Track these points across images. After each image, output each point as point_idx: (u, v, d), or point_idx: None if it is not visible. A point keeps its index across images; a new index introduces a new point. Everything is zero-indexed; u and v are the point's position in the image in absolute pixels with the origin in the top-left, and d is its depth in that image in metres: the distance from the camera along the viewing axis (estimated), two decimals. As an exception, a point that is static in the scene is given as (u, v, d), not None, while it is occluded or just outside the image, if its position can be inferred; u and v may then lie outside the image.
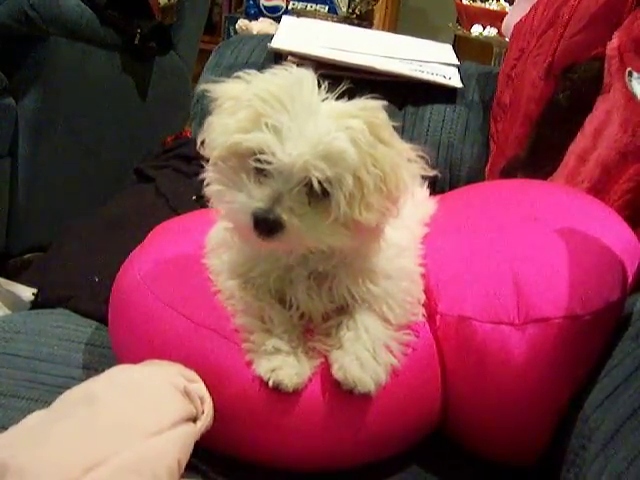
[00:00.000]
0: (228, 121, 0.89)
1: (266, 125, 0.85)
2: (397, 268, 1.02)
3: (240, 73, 0.94)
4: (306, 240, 0.89)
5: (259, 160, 0.86)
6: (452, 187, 1.71)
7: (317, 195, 0.86)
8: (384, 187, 0.88)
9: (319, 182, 0.85)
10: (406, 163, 0.92)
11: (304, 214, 0.86)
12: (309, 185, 0.85)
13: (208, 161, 0.95)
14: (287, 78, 0.90)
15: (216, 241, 1.07)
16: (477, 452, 1.09)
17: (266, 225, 0.85)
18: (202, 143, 0.94)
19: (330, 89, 0.92)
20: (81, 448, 0.78)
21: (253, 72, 0.93)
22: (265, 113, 0.86)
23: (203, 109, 2.00)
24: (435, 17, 5.21)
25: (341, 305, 1.00)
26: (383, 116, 0.90)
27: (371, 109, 0.90)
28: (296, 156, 0.84)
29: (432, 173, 0.94)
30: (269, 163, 0.85)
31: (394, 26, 4.63)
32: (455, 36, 3.54)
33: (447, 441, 1.10)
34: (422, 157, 0.93)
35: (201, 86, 0.96)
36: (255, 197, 0.86)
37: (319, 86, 0.90)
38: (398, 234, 1.04)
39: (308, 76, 0.90)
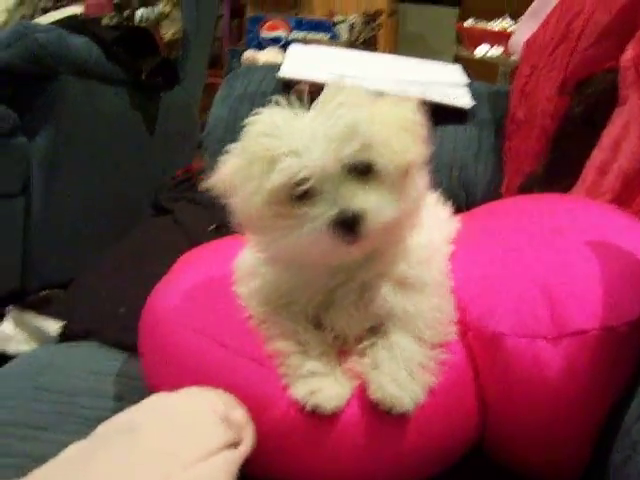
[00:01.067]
0: (248, 187, 0.90)
1: (283, 155, 0.87)
2: (429, 283, 1.03)
3: (222, 156, 0.97)
4: (385, 214, 0.89)
5: (298, 185, 0.87)
6: (468, 207, 1.70)
7: (363, 173, 0.89)
8: (404, 127, 0.92)
9: (356, 162, 0.88)
10: (394, 104, 0.96)
11: (367, 194, 0.88)
12: (352, 170, 0.88)
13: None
14: (262, 117, 0.93)
15: (245, 269, 1.08)
16: (515, 470, 1.07)
17: (352, 220, 0.86)
18: (242, 226, 0.96)
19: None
20: (126, 476, 0.77)
21: (232, 146, 0.96)
22: (270, 150, 0.88)
23: (215, 140, 2.02)
24: (433, 41, 5.26)
25: (375, 326, 0.99)
26: (353, 85, 0.94)
27: (340, 85, 0.93)
28: (323, 154, 0.86)
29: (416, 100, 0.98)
30: (307, 180, 0.86)
31: (394, 52, 4.67)
32: (455, 58, 3.57)
33: (484, 459, 1.08)
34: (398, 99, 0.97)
35: (205, 184, 0.98)
36: (322, 212, 0.87)
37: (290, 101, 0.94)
38: (426, 252, 1.05)
39: (275, 104, 0.94)
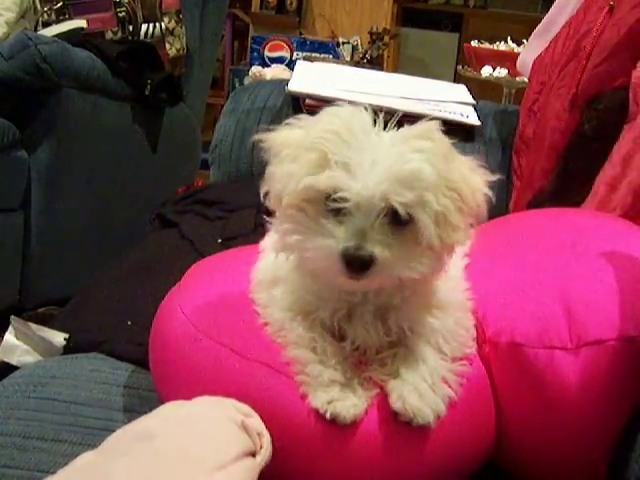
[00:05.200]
0: (291, 167, 0.88)
1: (335, 163, 0.84)
2: (453, 300, 1.02)
3: (291, 120, 0.94)
4: (397, 270, 0.86)
5: (335, 200, 0.84)
6: (473, 224, 1.71)
7: (400, 223, 0.85)
8: (464, 206, 0.88)
9: (402, 211, 0.83)
10: (473, 174, 0.92)
11: (391, 245, 0.84)
12: (390, 215, 0.84)
13: (270, 214, 0.94)
14: (343, 115, 0.89)
15: (265, 276, 1.06)
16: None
17: (358, 262, 0.83)
18: (265, 195, 0.93)
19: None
20: (146, 484, 0.76)
21: (304, 116, 0.93)
22: (332, 152, 0.85)
23: (221, 155, 2.01)
24: (433, 65, 5.33)
25: (396, 338, 0.98)
26: (443, 135, 0.90)
27: (432, 130, 0.89)
28: (373, 187, 0.83)
29: (496, 177, 0.94)
30: (346, 200, 0.84)
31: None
32: (455, 80, 3.60)
33: (500, 471, 1.08)
34: (481, 165, 0.94)
35: (256, 137, 0.95)
36: (339, 237, 0.84)
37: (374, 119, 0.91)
38: (451, 266, 1.03)
39: (362, 111, 0.90)
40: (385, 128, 0.91)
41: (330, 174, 0.84)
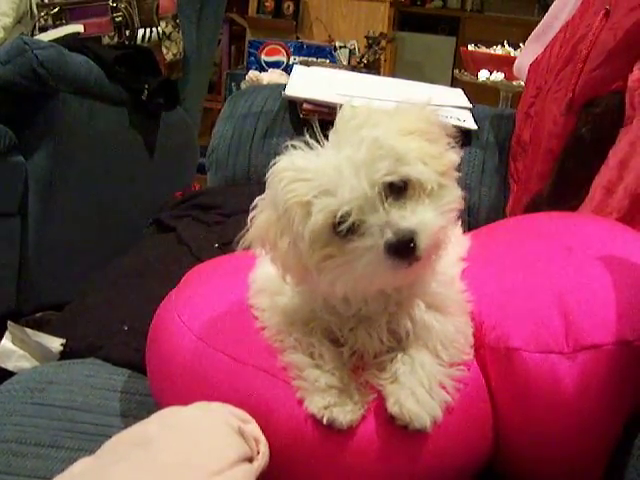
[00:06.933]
0: (287, 240, 0.89)
1: (315, 198, 0.85)
2: (452, 296, 1.02)
3: (251, 208, 0.95)
4: (433, 228, 0.85)
5: (340, 223, 0.85)
6: (471, 229, 1.71)
7: (401, 189, 0.86)
8: (429, 135, 0.89)
9: (391, 180, 0.85)
10: (414, 109, 0.94)
11: (412, 209, 0.85)
12: (389, 191, 0.85)
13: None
14: (285, 164, 0.90)
15: (264, 285, 1.06)
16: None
17: (405, 244, 0.83)
18: (293, 277, 0.94)
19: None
20: (143, 490, 0.75)
21: (260, 197, 0.94)
22: (305, 195, 0.86)
23: (219, 159, 2.01)
24: (430, 68, 5.34)
25: (395, 344, 0.98)
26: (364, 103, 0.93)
27: (351, 107, 0.91)
28: (357, 184, 0.83)
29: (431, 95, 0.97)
30: (348, 215, 0.84)
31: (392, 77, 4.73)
32: (451, 81, 3.62)
33: (498, 475, 1.07)
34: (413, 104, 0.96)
35: (240, 247, 0.98)
36: (372, 243, 0.84)
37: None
38: (451, 271, 1.05)
39: (292, 147, 0.91)
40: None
41: (317, 209, 0.84)
